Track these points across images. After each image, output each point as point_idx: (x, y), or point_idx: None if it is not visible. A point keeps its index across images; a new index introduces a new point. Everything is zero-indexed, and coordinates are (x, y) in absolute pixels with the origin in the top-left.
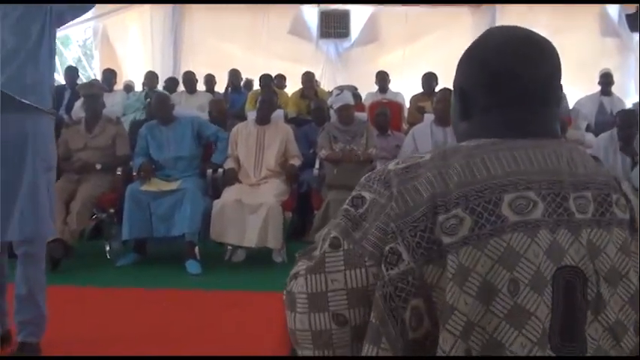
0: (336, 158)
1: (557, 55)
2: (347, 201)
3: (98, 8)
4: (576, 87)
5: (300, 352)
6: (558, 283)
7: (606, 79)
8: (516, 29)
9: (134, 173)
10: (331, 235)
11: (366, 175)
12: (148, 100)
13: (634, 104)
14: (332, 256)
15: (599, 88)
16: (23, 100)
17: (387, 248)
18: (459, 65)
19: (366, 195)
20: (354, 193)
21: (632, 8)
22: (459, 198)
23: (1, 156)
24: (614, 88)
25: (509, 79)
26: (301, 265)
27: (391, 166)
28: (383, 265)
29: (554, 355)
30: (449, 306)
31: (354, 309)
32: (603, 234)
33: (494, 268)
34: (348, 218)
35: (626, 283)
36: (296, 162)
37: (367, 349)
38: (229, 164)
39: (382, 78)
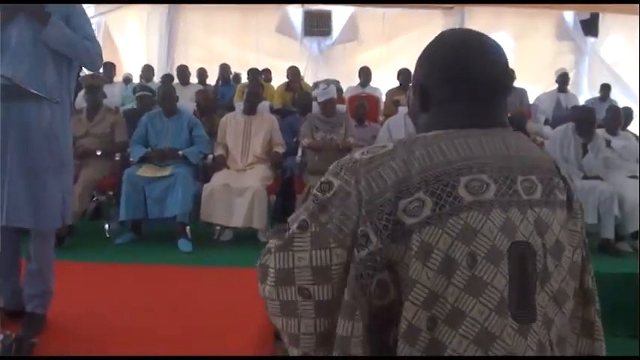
0: (317, 146)
1: (503, 54)
2: (316, 186)
3: (100, 6)
4: (536, 84)
5: (272, 320)
6: (513, 256)
7: (563, 78)
8: (467, 32)
9: (131, 159)
10: (300, 218)
11: (335, 162)
12: (138, 94)
13: (587, 101)
14: (300, 237)
15: (556, 85)
16: (32, 90)
17: (357, 231)
18: (418, 63)
19: (334, 181)
20: (323, 178)
21: (586, 14)
22: (420, 183)
23: (15, 144)
24: (569, 86)
25: (460, 75)
26: (272, 243)
27: (357, 155)
28: (355, 248)
29: (515, 323)
30: (411, 280)
31: (318, 285)
32: (549, 212)
33: (454, 244)
34: (315, 202)
35: (566, 256)
36: (280, 149)
37: (343, 326)
38: (218, 151)
39: (365, 73)
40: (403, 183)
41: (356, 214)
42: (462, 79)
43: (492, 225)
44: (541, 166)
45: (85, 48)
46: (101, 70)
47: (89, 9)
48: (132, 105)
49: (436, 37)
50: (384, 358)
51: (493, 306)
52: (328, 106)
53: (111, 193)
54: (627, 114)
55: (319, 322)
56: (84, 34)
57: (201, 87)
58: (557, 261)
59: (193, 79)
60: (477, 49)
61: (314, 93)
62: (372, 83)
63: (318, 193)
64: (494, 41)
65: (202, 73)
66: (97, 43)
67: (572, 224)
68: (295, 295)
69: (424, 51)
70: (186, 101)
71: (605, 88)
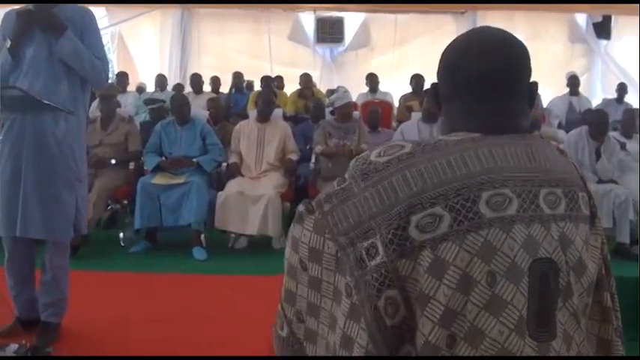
0: (330, 153)
1: (519, 52)
2: None
3: (114, 15)
4: (548, 88)
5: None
6: (534, 274)
7: (573, 81)
8: (483, 29)
9: (145, 168)
10: (312, 201)
11: (355, 158)
12: (149, 106)
13: (603, 100)
14: (306, 218)
15: (568, 89)
16: (46, 102)
17: (368, 242)
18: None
19: (347, 177)
20: None
21: (599, 17)
22: (438, 197)
23: (30, 155)
24: (582, 89)
25: (460, 72)
26: (299, 208)
27: (373, 157)
28: (365, 256)
29: (533, 342)
30: (424, 295)
31: (311, 262)
32: (573, 228)
33: (473, 262)
34: (326, 192)
35: (587, 274)
36: (294, 157)
37: (349, 324)
38: (232, 159)
39: (372, 80)
40: (416, 196)
41: (354, 218)
42: (458, 72)
43: (513, 242)
44: (566, 179)
45: (92, 64)
46: (111, 80)
47: (103, 19)
48: (145, 114)
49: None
50: (383, 358)
51: (513, 325)
52: (346, 109)
53: (125, 201)
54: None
55: (310, 292)
56: (95, 51)
57: (214, 95)
58: (577, 277)
59: (207, 87)
60: (478, 43)
61: (331, 98)
62: (385, 88)
63: (334, 185)
64: (511, 39)
65: (216, 82)
66: (106, 61)
67: (593, 240)
68: (297, 263)
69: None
70: (200, 110)
71: (622, 88)
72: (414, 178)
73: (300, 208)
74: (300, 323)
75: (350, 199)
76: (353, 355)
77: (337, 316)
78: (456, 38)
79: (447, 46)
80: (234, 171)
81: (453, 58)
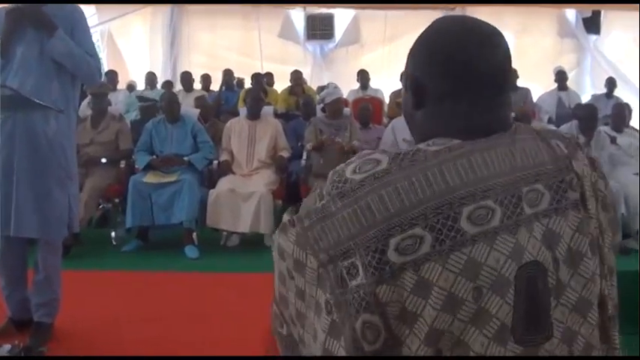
0: (319, 145)
1: (506, 43)
2: (318, 190)
3: (104, 13)
4: (537, 83)
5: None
6: (521, 281)
7: (561, 76)
8: (466, 18)
9: (136, 166)
10: (294, 214)
11: (332, 171)
12: (139, 104)
13: (592, 96)
14: (289, 230)
15: (556, 84)
16: (37, 101)
17: (348, 261)
18: (411, 54)
19: (325, 193)
20: (324, 187)
21: (588, 12)
22: (418, 217)
23: (22, 154)
24: (571, 84)
25: (462, 66)
26: (284, 218)
27: (348, 173)
28: (346, 275)
29: (518, 347)
30: (412, 313)
31: (297, 273)
32: (560, 220)
33: (458, 281)
34: (307, 208)
35: (586, 262)
36: (285, 154)
37: (329, 341)
38: (223, 156)
39: (363, 76)
40: (395, 218)
41: (334, 237)
42: (464, 72)
43: (498, 254)
44: (548, 171)
45: (86, 62)
46: (104, 78)
47: (93, 17)
48: (136, 113)
49: (432, 23)
50: (383, 358)
51: (491, 335)
52: (336, 105)
53: (117, 200)
54: (628, 110)
55: (297, 301)
56: (86, 48)
57: (205, 93)
58: (572, 269)
59: (197, 85)
60: (477, 35)
61: (321, 94)
62: (375, 85)
63: (315, 196)
64: (495, 28)
65: (206, 80)
66: (98, 58)
67: (585, 224)
68: (285, 271)
69: (418, 40)
70: (190, 108)
71: (611, 83)
72: (391, 198)
73: (285, 218)
74: (294, 326)
75: (328, 217)
76: None
77: (317, 330)
78: (440, 28)
79: (431, 35)
80: (226, 169)
81: (456, 54)
